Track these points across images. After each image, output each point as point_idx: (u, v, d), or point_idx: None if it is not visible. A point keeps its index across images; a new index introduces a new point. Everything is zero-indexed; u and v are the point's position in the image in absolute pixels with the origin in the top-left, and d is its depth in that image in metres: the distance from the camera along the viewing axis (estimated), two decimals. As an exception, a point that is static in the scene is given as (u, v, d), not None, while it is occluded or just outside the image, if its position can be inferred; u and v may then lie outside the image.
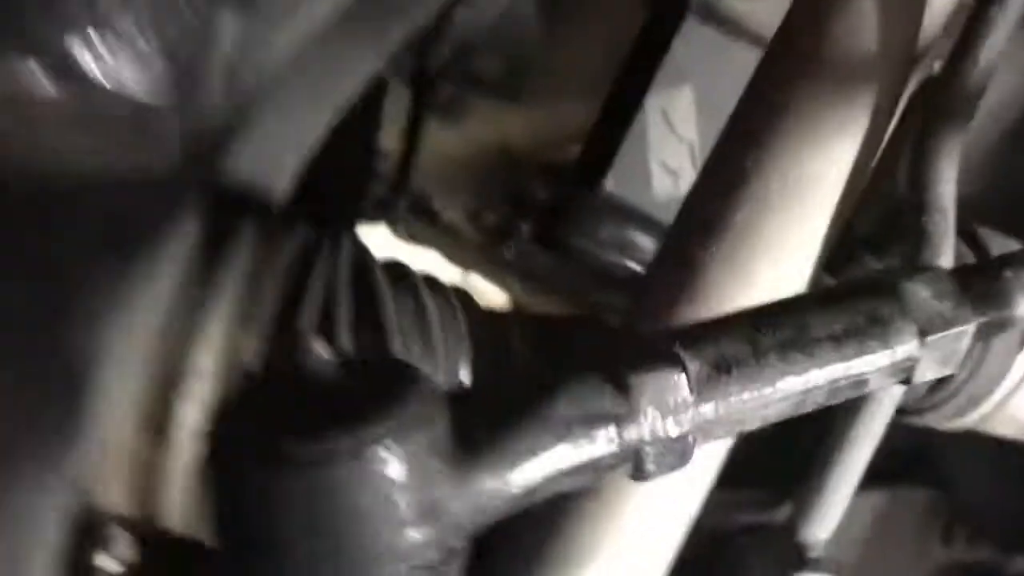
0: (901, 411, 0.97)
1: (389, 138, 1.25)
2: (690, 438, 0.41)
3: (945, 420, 0.97)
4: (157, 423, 0.60)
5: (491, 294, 1.85)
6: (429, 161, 1.35)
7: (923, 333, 0.45)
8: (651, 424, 0.40)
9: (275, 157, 0.77)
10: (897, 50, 0.68)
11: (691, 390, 0.41)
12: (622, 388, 0.40)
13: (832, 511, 0.68)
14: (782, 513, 0.72)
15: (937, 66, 0.71)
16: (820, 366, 0.43)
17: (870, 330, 0.44)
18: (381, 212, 1.34)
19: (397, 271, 0.72)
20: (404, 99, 1.17)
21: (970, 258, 0.93)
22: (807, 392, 0.43)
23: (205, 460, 0.35)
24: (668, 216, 0.96)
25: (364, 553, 0.34)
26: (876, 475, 1.17)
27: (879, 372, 0.44)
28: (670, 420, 0.41)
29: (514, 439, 0.38)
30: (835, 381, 0.43)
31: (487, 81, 1.13)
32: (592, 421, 0.39)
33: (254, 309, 0.62)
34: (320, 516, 0.33)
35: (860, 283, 0.46)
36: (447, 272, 1.83)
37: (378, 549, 0.34)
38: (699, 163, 0.97)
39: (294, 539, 0.33)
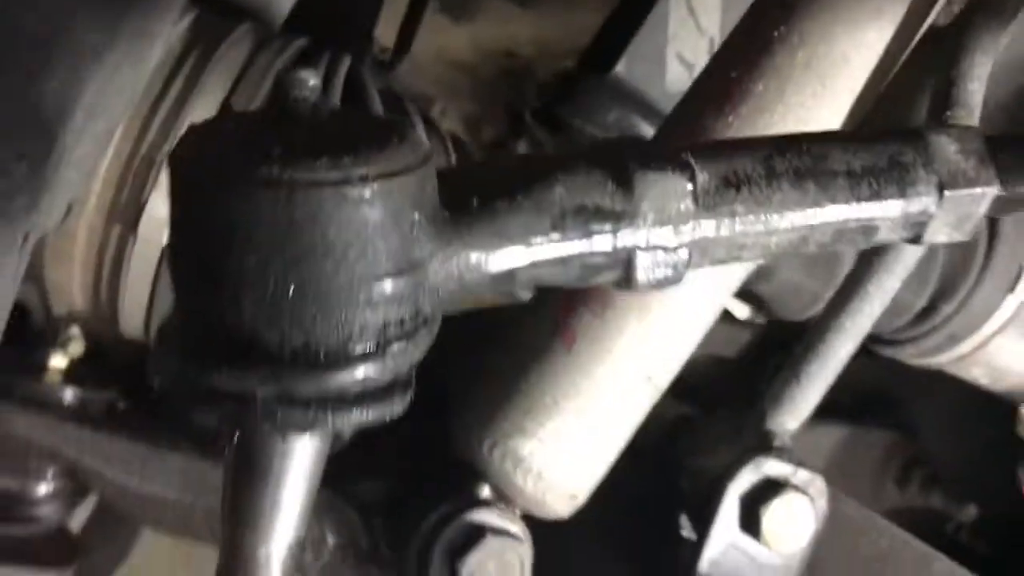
0: (879, 340, 0.96)
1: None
2: (687, 252, 0.39)
3: (921, 356, 0.96)
4: (129, 213, 0.58)
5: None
6: (433, 62, 1.32)
7: (942, 187, 0.42)
8: (649, 229, 0.38)
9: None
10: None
11: (695, 200, 0.38)
12: (625, 185, 0.37)
13: (804, 404, 0.66)
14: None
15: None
16: (832, 201, 0.41)
17: (889, 173, 0.41)
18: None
19: (393, 101, 0.70)
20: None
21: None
22: (813, 227, 0.41)
23: (178, 181, 0.32)
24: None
25: (335, 291, 0.32)
26: (840, 412, 1.17)
27: (891, 221, 0.42)
28: (669, 228, 0.38)
29: (505, 215, 0.36)
30: (844, 221, 0.41)
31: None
32: (588, 214, 0.37)
33: (239, 104, 0.59)
34: (295, 244, 0.31)
35: (888, 127, 0.43)
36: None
37: (351, 290, 0.32)
38: (716, 56, 0.94)
39: (264, 268, 0.31)
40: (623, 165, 0.37)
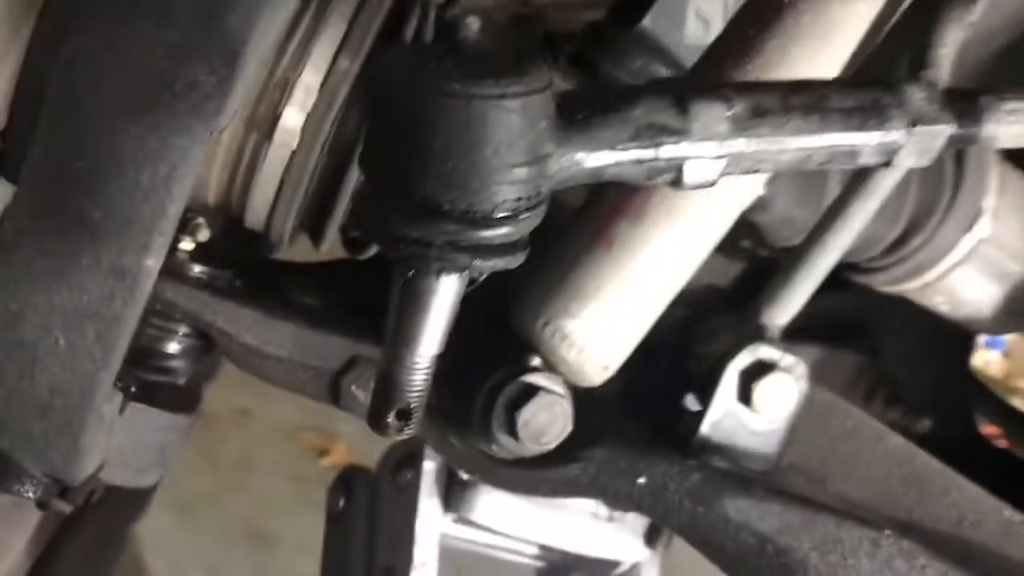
0: (856, 268, 1.12)
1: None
2: (723, 162, 0.54)
3: (890, 283, 1.12)
4: (265, 123, 0.72)
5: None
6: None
7: (911, 123, 0.57)
8: (697, 143, 0.53)
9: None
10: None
11: (731, 123, 0.53)
12: (683, 110, 0.52)
13: (792, 303, 0.82)
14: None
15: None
16: (829, 130, 0.56)
17: (871, 111, 0.56)
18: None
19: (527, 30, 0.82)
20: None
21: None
22: (814, 149, 0.56)
23: (379, 91, 0.46)
24: (692, 60, 1.07)
25: (490, 171, 0.46)
26: (817, 337, 1.32)
27: (871, 148, 0.57)
28: (712, 143, 0.53)
29: (600, 127, 0.51)
30: (837, 146, 0.56)
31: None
32: (657, 129, 0.52)
33: (356, 40, 0.73)
34: (467, 136, 0.45)
35: (873, 78, 0.58)
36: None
37: (500, 171, 0.47)
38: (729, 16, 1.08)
39: (444, 152, 0.46)
40: (682, 95, 0.52)
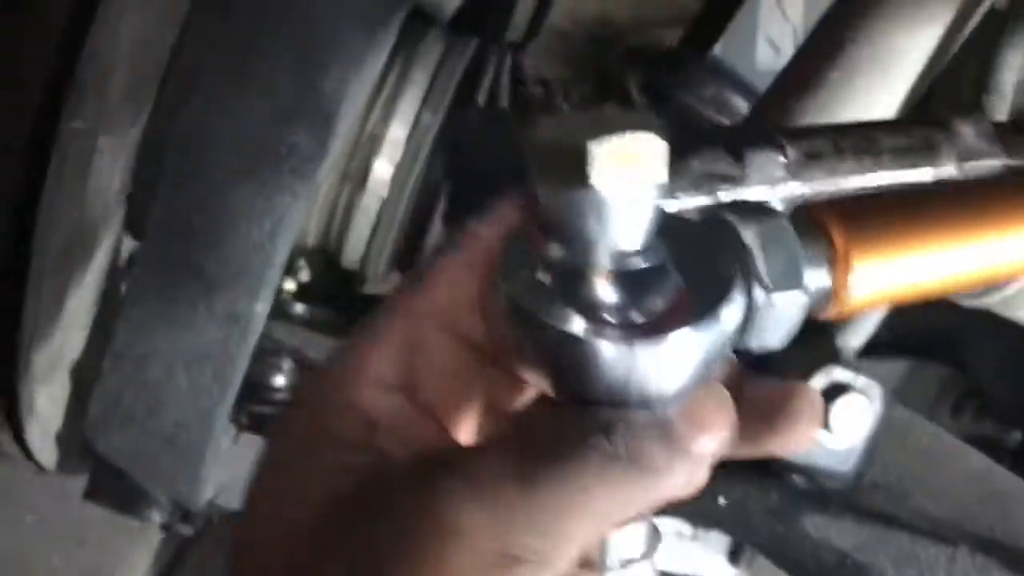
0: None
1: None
2: (780, 204, 0.58)
3: (973, 297, 1.13)
4: (358, 175, 0.78)
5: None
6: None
7: (962, 159, 0.60)
8: (754, 187, 0.57)
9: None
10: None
11: (786, 169, 0.57)
12: (739, 158, 0.56)
13: (864, 327, 0.84)
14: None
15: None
16: (881, 169, 0.59)
17: (923, 150, 0.59)
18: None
19: (544, 84, 0.89)
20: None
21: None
22: (867, 189, 0.59)
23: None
24: (764, 86, 1.10)
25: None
26: (903, 350, 1.33)
27: (924, 185, 0.60)
28: (767, 187, 0.57)
29: (661, 178, 0.55)
30: (890, 185, 0.60)
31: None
32: (716, 178, 0.56)
33: (437, 97, 0.79)
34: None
35: (926, 117, 0.61)
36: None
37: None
38: (799, 44, 1.11)
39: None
40: (737, 144, 0.56)
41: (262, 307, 0.70)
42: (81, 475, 0.81)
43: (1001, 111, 0.75)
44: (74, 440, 0.77)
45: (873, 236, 0.40)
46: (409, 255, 0.85)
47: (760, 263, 0.38)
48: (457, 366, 0.38)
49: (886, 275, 0.40)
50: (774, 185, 0.57)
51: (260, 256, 0.68)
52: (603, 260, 0.35)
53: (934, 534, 0.78)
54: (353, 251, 0.82)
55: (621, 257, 0.36)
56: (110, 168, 0.72)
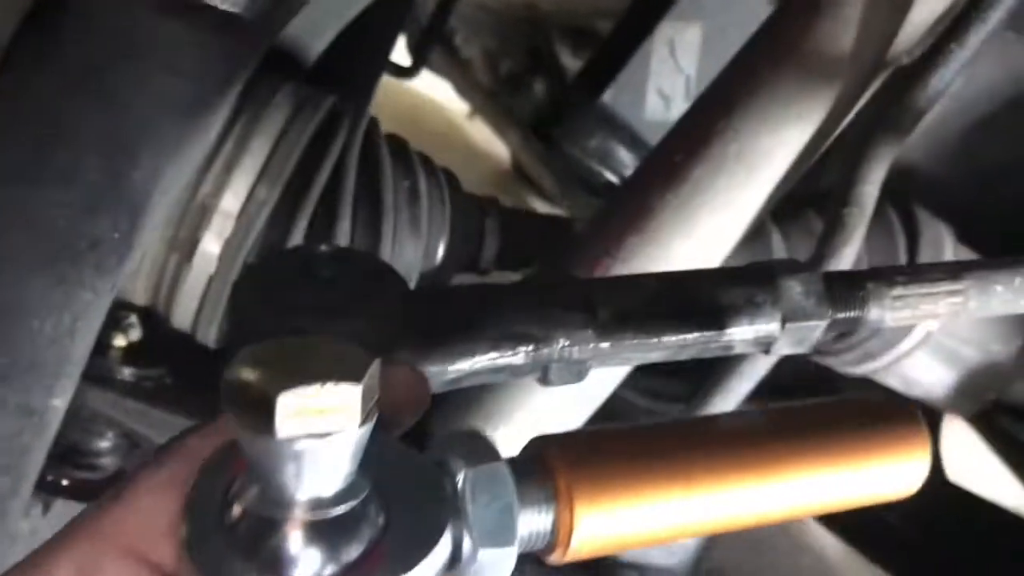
0: (818, 351, 1.13)
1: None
2: (588, 363, 0.55)
3: (845, 366, 1.13)
4: (185, 247, 0.74)
5: (492, 143, 1.96)
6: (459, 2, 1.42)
7: (785, 320, 0.58)
8: (560, 348, 0.54)
9: (317, 21, 0.88)
10: (869, 62, 0.78)
11: (595, 331, 0.54)
12: (543, 321, 0.54)
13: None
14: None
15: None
16: (698, 330, 0.56)
17: (745, 309, 0.57)
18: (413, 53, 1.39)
19: (399, 147, 0.84)
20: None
21: (901, 235, 1.07)
22: (683, 347, 0.57)
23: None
24: (653, 137, 1.07)
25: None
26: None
27: (744, 342, 0.58)
28: (575, 348, 0.54)
29: (456, 342, 0.52)
30: (707, 342, 0.57)
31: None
32: (517, 339, 0.53)
33: (276, 168, 0.74)
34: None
35: (752, 269, 0.59)
36: (455, 106, 1.94)
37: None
38: (692, 96, 1.08)
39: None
40: (543, 309, 0.53)
41: (60, 401, 0.65)
42: None
43: (859, 223, 0.73)
44: None
45: (601, 485, 0.38)
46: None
47: (472, 513, 0.36)
48: None
49: (613, 525, 0.38)
50: (582, 345, 0.54)
51: (56, 350, 0.64)
52: (293, 510, 0.34)
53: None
54: (182, 318, 0.78)
55: (314, 505, 0.34)
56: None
